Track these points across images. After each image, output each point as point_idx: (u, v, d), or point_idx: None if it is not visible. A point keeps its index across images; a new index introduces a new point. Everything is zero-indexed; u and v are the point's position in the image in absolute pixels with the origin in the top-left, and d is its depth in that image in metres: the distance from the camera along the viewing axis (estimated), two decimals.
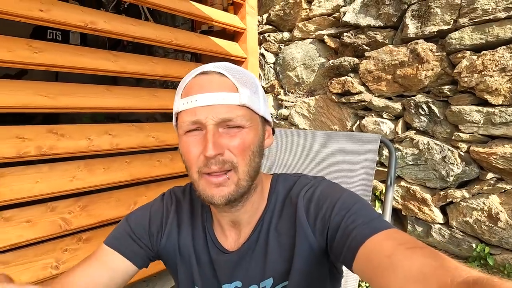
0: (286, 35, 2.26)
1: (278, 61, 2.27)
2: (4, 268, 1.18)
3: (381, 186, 1.66)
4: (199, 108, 0.54)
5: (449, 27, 1.38)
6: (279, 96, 2.29)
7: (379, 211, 1.05)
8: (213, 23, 1.84)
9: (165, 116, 2.70)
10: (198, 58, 2.72)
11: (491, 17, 1.25)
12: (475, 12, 1.29)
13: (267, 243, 0.62)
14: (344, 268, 0.70)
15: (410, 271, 0.39)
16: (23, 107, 1.19)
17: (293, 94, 2.19)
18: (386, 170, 1.15)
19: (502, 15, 1.23)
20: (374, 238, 0.47)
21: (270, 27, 2.37)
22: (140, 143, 1.54)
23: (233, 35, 2.09)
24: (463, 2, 1.33)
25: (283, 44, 2.28)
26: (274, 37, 2.34)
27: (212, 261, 0.65)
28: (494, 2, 1.24)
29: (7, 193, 1.16)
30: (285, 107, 2.22)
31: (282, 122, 2.27)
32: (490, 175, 1.28)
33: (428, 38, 1.46)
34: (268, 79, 2.35)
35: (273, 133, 0.67)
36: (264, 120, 0.61)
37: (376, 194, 1.67)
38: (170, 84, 3.32)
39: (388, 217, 0.96)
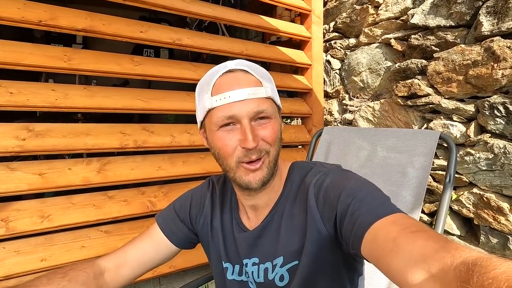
0: (352, 41, 2.29)
1: (344, 67, 2.31)
2: (107, 237, 1.49)
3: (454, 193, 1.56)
4: (233, 104, 0.58)
5: None
6: (343, 101, 2.32)
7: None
8: (281, 33, 2.00)
9: None
10: (267, 67, 2.91)
11: None
12: None
13: (280, 225, 0.67)
14: (369, 270, 0.73)
15: (412, 253, 0.40)
16: (125, 109, 1.50)
17: (358, 99, 2.20)
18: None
19: None
20: (380, 222, 0.48)
21: (337, 34, 2.42)
22: None
23: (299, 43, 2.22)
24: None
25: (349, 50, 2.31)
26: (340, 43, 2.39)
27: (235, 238, 0.72)
28: None
29: (111, 176, 1.47)
30: (350, 111, 2.24)
31: (347, 127, 2.28)
32: None
33: (505, 35, 1.37)
34: (333, 84, 2.40)
35: None
36: (279, 108, 0.68)
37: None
38: None
39: (442, 218, 0.94)
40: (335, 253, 0.62)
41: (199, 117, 0.67)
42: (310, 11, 2.09)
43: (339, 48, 2.39)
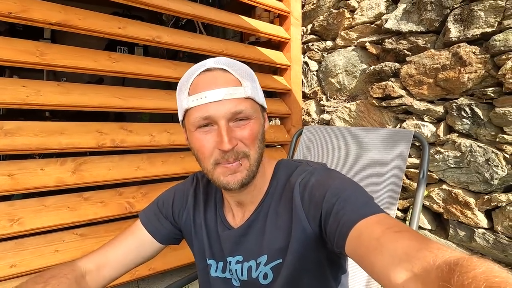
0: (329, 43, 2.36)
1: (321, 69, 2.37)
2: (82, 240, 1.43)
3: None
4: (209, 104, 0.57)
5: (493, 29, 1.38)
6: (321, 102, 2.38)
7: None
8: (260, 34, 2.01)
9: None
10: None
11: None
12: None
13: (265, 223, 0.66)
14: (350, 267, 0.75)
15: (395, 252, 0.41)
16: (102, 107, 1.45)
17: (335, 99, 2.27)
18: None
19: None
20: (364, 221, 0.49)
21: (314, 36, 2.48)
22: None
23: (278, 44, 2.25)
24: (508, 4, 1.33)
25: (326, 52, 2.37)
26: (317, 46, 2.45)
27: (219, 236, 0.71)
28: None
29: (87, 177, 1.42)
30: (327, 112, 2.30)
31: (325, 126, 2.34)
32: None
33: (471, 41, 1.47)
34: (311, 85, 2.46)
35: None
36: (262, 107, 0.66)
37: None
38: None
39: (417, 213, 0.99)
40: (319, 251, 0.62)
41: (179, 117, 0.67)
42: (289, 13, 2.13)
43: (316, 50, 2.45)
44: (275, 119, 2.90)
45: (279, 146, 2.25)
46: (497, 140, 1.35)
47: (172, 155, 1.72)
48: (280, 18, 2.21)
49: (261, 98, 0.65)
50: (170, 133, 1.68)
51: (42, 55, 1.30)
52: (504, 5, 1.34)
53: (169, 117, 3.35)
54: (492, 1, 1.37)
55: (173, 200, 0.78)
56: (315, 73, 2.47)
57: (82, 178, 1.40)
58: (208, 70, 0.60)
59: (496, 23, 1.37)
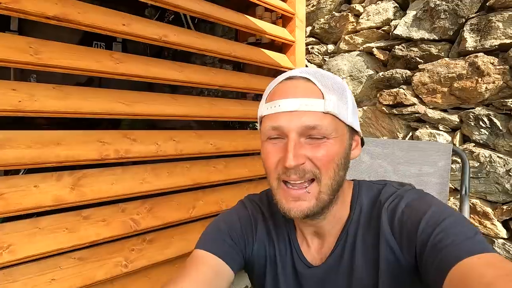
0: (330, 47, 2.31)
1: None
2: (82, 264, 1.26)
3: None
4: (282, 114, 0.53)
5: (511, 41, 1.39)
6: None
7: None
8: (266, 35, 1.92)
9: (202, 124, 2.79)
10: (241, 68, 2.81)
11: None
12: None
13: (353, 258, 0.59)
14: None
15: None
16: (105, 114, 1.28)
17: None
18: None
19: None
20: (470, 260, 0.42)
21: (314, 39, 2.43)
22: (201, 149, 1.61)
23: (281, 47, 2.16)
24: None
25: (328, 56, 2.33)
26: (318, 49, 2.39)
27: (297, 274, 0.64)
28: None
29: (89, 193, 1.24)
30: None
31: None
32: None
33: (488, 52, 1.47)
34: None
35: (362, 144, 0.63)
36: (352, 130, 0.58)
37: None
38: (207, 93, 3.44)
39: None
40: (415, 284, 0.54)
41: (258, 125, 0.63)
42: (294, 15, 2.05)
43: (316, 53, 2.39)
44: None
45: None
46: None
47: (177, 165, 1.58)
48: (283, 20, 2.13)
49: (349, 117, 0.56)
50: (176, 141, 1.54)
51: (37, 54, 1.11)
52: None
53: (151, 124, 3.14)
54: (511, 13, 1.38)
55: (241, 229, 0.67)
56: None
57: (83, 195, 1.22)
58: (290, 78, 0.56)
59: None
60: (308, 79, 0.55)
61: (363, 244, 0.59)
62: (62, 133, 1.22)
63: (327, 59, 2.32)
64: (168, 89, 3.62)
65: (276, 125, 0.53)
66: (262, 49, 1.94)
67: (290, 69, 2.02)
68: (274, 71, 2.26)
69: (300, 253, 0.64)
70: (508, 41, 1.40)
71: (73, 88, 1.24)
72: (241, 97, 2.74)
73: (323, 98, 0.53)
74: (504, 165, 1.39)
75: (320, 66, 2.37)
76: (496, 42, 1.43)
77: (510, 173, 1.37)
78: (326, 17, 2.33)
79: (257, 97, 2.39)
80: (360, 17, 2.07)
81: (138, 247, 1.42)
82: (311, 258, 0.63)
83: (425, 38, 1.69)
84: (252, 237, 0.67)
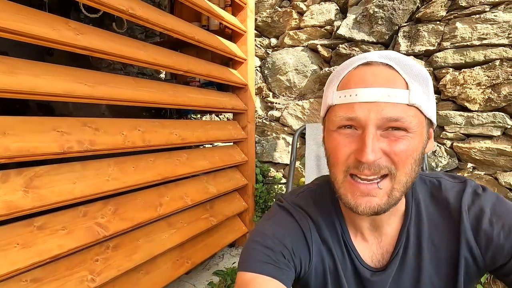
0: (273, 41, 2.39)
1: (267, 65, 2.38)
2: (38, 287, 0.99)
3: None
4: (359, 104, 0.47)
5: (434, 48, 1.73)
6: (267, 99, 2.40)
7: None
8: (224, 22, 1.85)
9: (114, 112, 2.50)
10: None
11: (468, 43, 1.63)
12: (455, 38, 1.66)
13: (421, 258, 0.56)
14: None
15: None
16: (65, 95, 1.03)
17: (284, 97, 2.33)
18: None
19: (476, 42, 1.61)
20: None
21: (256, 32, 2.46)
22: (167, 140, 1.46)
23: (230, 36, 2.12)
24: (445, 29, 1.69)
25: (271, 50, 2.40)
26: (260, 42, 2.44)
27: (361, 280, 0.59)
28: (470, 32, 1.62)
29: (48, 196, 0.99)
30: (276, 109, 2.34)
31: (273, 123, 2.38)
32: (469, 165, 1.66)
33: (416, 55, 1.79)
34: (255, 82, 2.43)
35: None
36: (430, 122, 0.52)
37: None
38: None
39: None
40: (477, 282, 0.59)
41: (322, 113, 0.58)
42: (245, 4, 2.03)
43: (259, 46, 2.44)
44: (223, 115, 2.74)
45: (232, 144, 2.15)
46: (440, 136, 1.71)
47: (141, 158, 1.39)
48: (233, 8, 2.08)
49: (430, 110, 0.51)
50: (141, 131, 1.35)
51: None
52: (443, 30, 1.69)
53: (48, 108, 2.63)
54: (434, 25, 1.72)
55: (292, 244, 0.57)
56: (258, 69, 2.46)
57: (42, 199, 0.96)
58: (368, 64, 0.50)
59: (437, 43, 1.72)
60: (390, 66, 0.49)
61: (430, 243, 0.56)
62: (8, 120, 0.93)
63: (270, 52, 2.40)
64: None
65: (352, 116, 0.48)
66: (218, 37, 1.87)
67: (243, 59, 2.01)
68: (225, 60, 2.21)
69: (359, 256, 0.59)
70: (431, 48, 1.73)
71: (22, 62, 0.95)
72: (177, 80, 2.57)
73: (408, 89, 0.47)
74: None
75: (263, 58, 2.43)
76: (423, 48, 1.75)
77: (435, 154, 1.72)
78: (268, 11, 2.39)
79: (206, 85, 2.28)
80: (304, 15, 2.21)
81: (103, 256, 1.21)
82: (370, 255, 0.59)
83: (365, 40, 1.94)
84: (307, 252, 0.59)
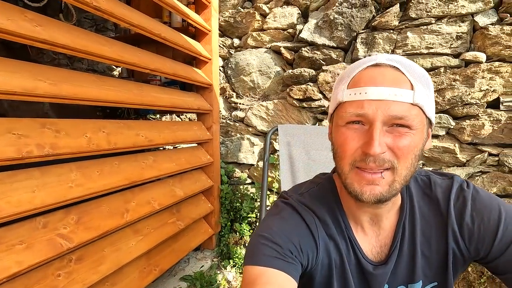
0: (236, 41, 2.39)
1: (230, 66, 2.37)
2: None
3: None
4: (368, 102, 0.51)
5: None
6: (231, 99, 2.39)
7: None
8: (189, 20, 1.80)
9: (58, 112, 2.32)
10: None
11: (417, 51, 1.80)
12: (407, 46, 1.82)
13: (415, 249, 0.61)
14: None
15: None
16: (26, 94, 0.92)
17: (248, 97, 2.34)
18: None
19: (424, 51, 1.79)
20: None
21: (218, 32, 2.44)
22: (134, 142, 1.38)
23: (193, 35, 2.07)
24: (398, 38, 1.84)
25: (233, 50, 2.40)
26: (222, 41, 2.42)
27: (364, 272, 0.62)
28: (419, 41, 1.79)
29: (4, 206, 0.87)
30: (240, 109, 2.34)
31: (237, 124, 2.37)
32: (419, 162, 1.83)
33: None
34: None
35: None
36: (429, 122, 0.57)
37: None
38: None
39: None
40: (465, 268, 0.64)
41: (330, 109, 0.62)
42: (209, 3, 2.00)
43: (221, 46, 2.42)
44: (185, 115, 2.65)
45: (196, 145, 2.10)
46: None
47: (106, 162, 1.30)
48: (197, 7, 2.04)
49: (430, 110, 0.55)
50: (106, 133, 1.26)
51: None
52: (396, 38, 1.85)
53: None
54: (388, 34, 1.86)
55: (299, 239, 0.59)
56: (221, 69, 2.44)
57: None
58: (377, 65, 0.54)
59: (390, 50, 1.87)
60: (397, 68, 0.53)
61: (422, 237, 0.61)
62: None
63: (233, 52, 2.39)
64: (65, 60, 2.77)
65: (362, 113, 0.52)
66: (183, 35, 1.81)
67: (208, 58, 1.98)
68: (188, 59, 2.15)
69: (361, 249, 0.62)
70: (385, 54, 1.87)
71: None
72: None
73: (413, 89, 0.52)
74: None
75: (226, 58, 2.41)
76: None
77: None
78: (230, 11, 2.38)
79: (169, 85, 2.19)
80: (267, 17, 2.24)
81: (65, 270, 1.11)
82: (370, 248, 0.63)
83: (326, 44, 2.03)
84: (315, 249, 0.61)
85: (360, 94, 0.52)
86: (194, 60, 2.11)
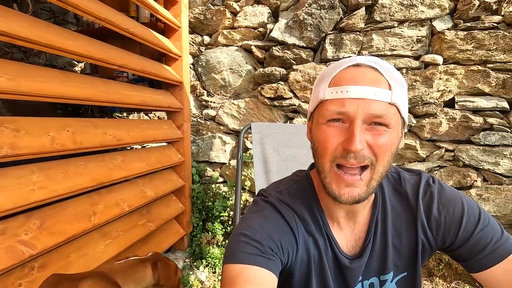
0: (206, 38, 2.36)
1: (200, 63, 2.34)
2: None
3: None
4: (349, 100, 0.53)
5: (355, 55, 1.95)
6: (202, 97, 2.36)
7: None
8: (158, 16, 1.75)
9: (10, 110, 2.18)
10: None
11: (382, 53, 1.89)
12: (372, 48, 1.91)
13: (386, 243, 0.64)
14: None
15: None
16: None
17: (219, 96, 2.32)
18: None
19: (388, 53, 1.88)
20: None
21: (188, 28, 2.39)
22: (101, 141, 1.31)
23: (163, 31, 2.02)
24: (364, 40, 1.93)
25: (204, 47, 2.37)
26: (192, 38, 2.38)
27: (340, 266, 0.64)
28: (383, 44, 1.89)
29: None
30: (212, 107, 2.32)
31: (208, 122, 2.35)
32: None
33: None
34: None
35: None
36: (403, 121, 0.59)
37: None
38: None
39: None
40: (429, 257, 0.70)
41: (310, 108, 0.62)
42: None
43: (191, 43, 2.38)
44: (153, 113, 2.57)
45: (166, 144, 2.05)
46: None
47: (70, 163, 1.23)
48: (165, 1, 1.98)
49: (405, 110, 0.58)
50: (71, 132, 1.19)
51: None
52: (362, 40, 1.93)
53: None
54: (355, 35, 1.94)
55: (280, 240, 0.59)
56: (191, 66, 2.40)
57: None
58: (357, 65, 0.56)
59: (357, 51, 1.95)
60: (376, 69, 0.55)
61: (393, 230, 0.64)
62: None
63: (203, 50, 2.36)
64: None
65: (343, 110, 0.53)
66: (152, 31, 1.76)
67: (178, 55, 1.95)
68: (157, 56, 2.08)
69: (338, 244, 0.64)
70: (353, 55, 1.95)
71: None
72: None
73: (390, 89, 0.54)
74: None
75: (196, 55, 2.38)
76: (346, 55, 1.96)
77: None
78: (200, 7, 2.34)
79: (136, 82, 2.11)
80: (238, 15, 2.24)
81: (27, 279, 1.04)
82: (346, 242, 0.65)
83: (296, 44, 2.07)
84: (295, 246, 0.62)
85: (341, 93, 0.54)
86: (163, 57, 2.05)
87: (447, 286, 1.80)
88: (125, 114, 2.56)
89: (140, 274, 0.83)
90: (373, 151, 0.54)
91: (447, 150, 1.85)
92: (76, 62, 2.97)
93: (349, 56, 1.93)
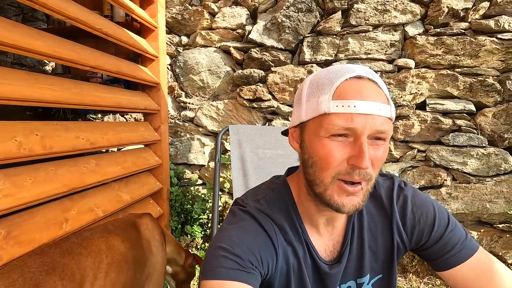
0: (184, 39, 2.33)
1: (178, 64, 2.31)
2: None
3: None
4: (357, 115, 0.51)
5: (332, 58, 1.99)
6: (180, 98, 2.33)
7: None
8: (134, 15, 1.71)
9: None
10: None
11: (357, 56, 1.94)
12: (348, 51, 1.95)
13: (363, 246, 0.65)
14: None
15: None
16: None
17: (197, 97, 2.30)
18: None
19: (363, 56, 1.93)
20: (476, 256, 0.61)
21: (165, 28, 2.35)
22: (73, 145, 1.27)
23: (138, 31, 1.97)
24: (340, 43, 1.97)
25: (182, 48, 2.34)
26: (170, 39, 2.35)
27: (320, 273, 0.64)
28: (358, 47, 1.93)
29: None
30: (190, 109, 2.29)
31: (187, 124, 2.32)
32: None
33: (318, 64, 2.03)
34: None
35: None
36: None
37: None
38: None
39: None
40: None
41: (302, 117, 0.58)
42: None
43: (168, 43, 2.35)
44: (129, 115, 2.50)
45: (143, 146, 2.01)
46: None
47: (39, 168, 1.18)
48: (141, 1, 1.93)
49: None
50: (40, 136, 1.14)
51: None
52: (338, 43, 1.97)
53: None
54: (331, 39, 1.98)
55: (259, 252, 0.58)
56: (169, 67, 2.36)
57: None
58: (359, 77, 0.54)
59: (334, 54, 1.99)
60: (375, 82, 0.55)
61: (369, 234, 0.66)
62: None
63: (181, 50, 2.33)
64: None
65: (352, 126, 0.51)
66: (127, 31, 1.71)
67: (155, 56, 1.91)
68: (145, 58, 2.02)
69: (317, 251, 0.64)
70: (330, 58, 1.99)
71: None
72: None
73: (389, 104, 0.54)
74: None
75: (174, 56, 2.34)
76: (323, 58, 2.00)
77: None
78: (178, 7, 2.31)
79: (111, 83, 2.05)
80: (216, 16, 2.22)
81: None
82: (324, 247, 0.66)
83: (275, 46, 2.08)
84: (275, 257, 0.61)
85: (349, 107, 0.52)
86: (139, 58, 2.01)
87: (420, 281, 1.87)
88: (99, 115, 2.48)
89: None
90: (374, 165, 0.54)
91: (419, 151, 1.93)
92: (46, 61, 2.85)
93: (324, 60, 1.96)
